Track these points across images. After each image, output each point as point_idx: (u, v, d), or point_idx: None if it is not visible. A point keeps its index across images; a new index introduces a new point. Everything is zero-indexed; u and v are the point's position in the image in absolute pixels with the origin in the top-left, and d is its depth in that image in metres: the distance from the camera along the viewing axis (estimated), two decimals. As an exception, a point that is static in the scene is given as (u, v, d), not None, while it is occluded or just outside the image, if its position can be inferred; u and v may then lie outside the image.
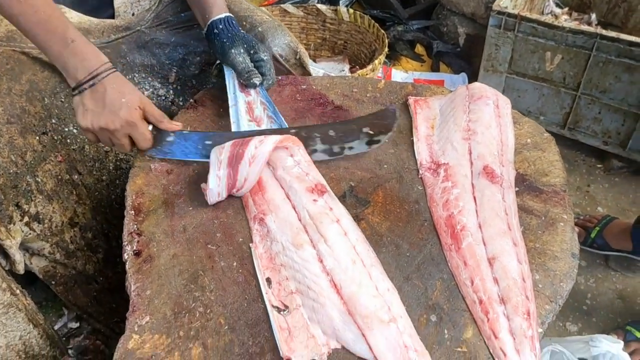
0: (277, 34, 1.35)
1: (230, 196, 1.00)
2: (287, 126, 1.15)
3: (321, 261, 0.86)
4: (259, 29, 1.35)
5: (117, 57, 1.36)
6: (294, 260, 0.88)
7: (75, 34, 1.00)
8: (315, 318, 0.83)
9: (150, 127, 1.06)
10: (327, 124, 1.13)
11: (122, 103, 1.00)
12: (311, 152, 1.05)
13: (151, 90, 1.41)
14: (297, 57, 1.38)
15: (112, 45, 1.35)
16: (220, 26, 1.19)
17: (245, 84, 1.18)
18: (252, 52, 1.20)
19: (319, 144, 1.07)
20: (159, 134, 1.07)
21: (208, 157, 1.01)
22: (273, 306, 0.85)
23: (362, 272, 0.84)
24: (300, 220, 0.92)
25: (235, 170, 0.95)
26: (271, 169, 1.00)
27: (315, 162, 1.03)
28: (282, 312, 0.84)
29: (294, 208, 0.94)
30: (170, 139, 1.08)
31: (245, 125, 1.14)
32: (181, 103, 1.44)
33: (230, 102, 1.17)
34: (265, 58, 1.21)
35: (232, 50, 1.17)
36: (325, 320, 0.82)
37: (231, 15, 1.22)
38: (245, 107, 1.17)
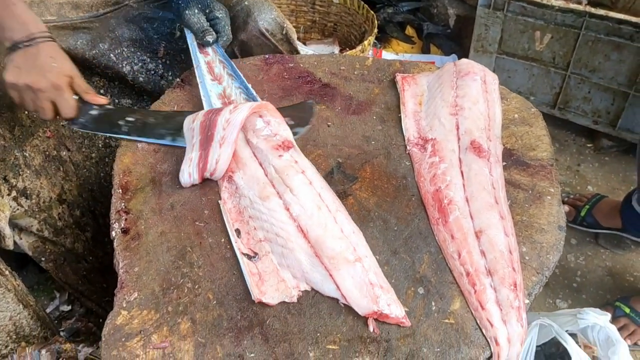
0: (264, 9, 1.34)
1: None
2: (247, 84, 1.18)
3: (287, 209, 0.90)
4: (245, 2, 1.34)
5: (106, 31, 1.35)
6: (261, 211, 0.91)
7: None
8: (284, 263, 0.87)
9: (76, 98, 1.06)
10: None
11: (52, 67, 1.01)
12: None
13: (140, 64, 1.40)
14: (284, 32, 1.37)
15: (101, 19, 1.35)
16: None
17: (201, 44, 1.21)
18: (207, 11, 1.21)
19: None
20: (83, 106, 1.07)
21: (129, 134, 1.06)
22: (243, 254, 0.88)
23: (327, 217, 0.88)
24: (267, 175, 0.95)
25: (206, 153, 0.97)
26: (242, 132, 1.02)
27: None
28: (252, 259, 0.87)
29: (261, 165, 0.97)
30: (93, 112, 1.08)
31: (209, 84, 1.16)
32: (170, 77, 1.44)
33: (194, 63, 1.20)
34: (220, 16, 1.23)
35: (187, 12, 1.19)
36: (294, 264, 0.86)
37: None
38: (206, 66, 1.19)
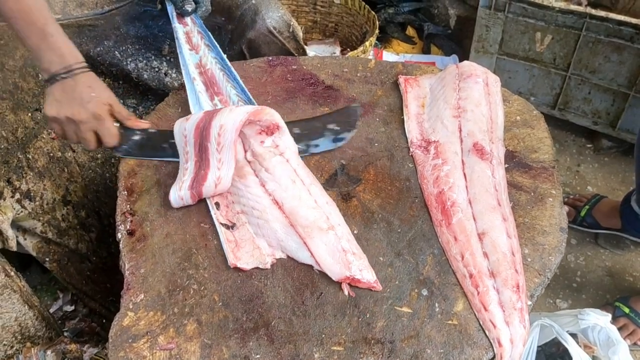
0: (271, 7, 1.36)
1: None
2: (223, 55, 1.21)
3: (263, 185, 0.94)
4: (253, 1, 1.36)
5: (111, 28, 1.35)
6: (238, 187, 0.96)
7: (55, 29, 1.00)
8: (260, 233, 0.91)
9: (117, 125, 1.04)
10: (292, 122, 1.11)
11: (91, 97, 1.00)
12: None
13: (145, 61, 1.41)
14: (291, 30, 1.38)
15: (106, 16, 1.35)
16: None
17: (180, 12, 1.24)
18: None
19: None
20: (125, 132, 1.05)
21: (174, 156, 1.03)
22: (221, 224, 0.93)
23: (301, 189, 0.93)
24: (245, 157, 0.98)
25: (203, 176, 0.96)
26: None
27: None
28: (229, 228, 0.92)
29: (243, 147, 1.00)
30: (136, 137, 1.06)
31: (187, 54, 1.19)
32: (174, 74, 1.45)
33: (175, 35, 1.22)
34: None
35: None
36: (270, 234, 0.90)
37: None
38: (185, 37, 1.22)
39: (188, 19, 1.25)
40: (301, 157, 1.04)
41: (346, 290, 0.85)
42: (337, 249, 0.87)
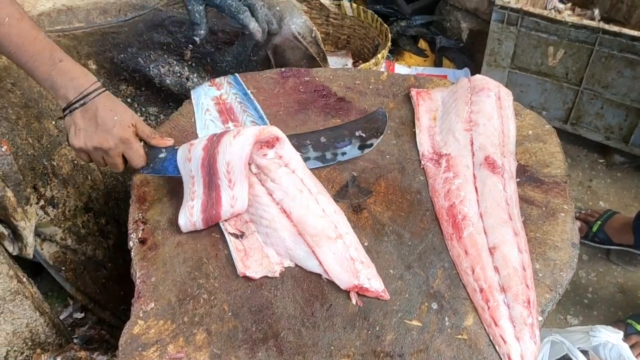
0: (294, 13, 1.37)
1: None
2: (250, 93, 1.21)
3: (270, 194, 0.94)
4: (277, 8, 1.37)
5: (134, 35, 1.37)
6: None
7: (63, 55, 0.98)
8: (269, 242, 0.92)
9: (142, 144, 1.04)
10: (318, 131, 1.11)
11: (114, 121, 0.98)
12: (304, 160, 1.03)
13: (167, 67, 1.43)
14: (313, 34, 1.40)
15: (129, 23, 1.36)
16: None
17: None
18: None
19: (311, 151, 1.07)
20: (150, 150, 1.04)
21: None
22: (230, 233, 0.93)
23: (309, 199, 0.93)
24: (250, 170, 0.96)
25: (216, 198, 0.94)
26: None
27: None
28: (239, 238, 0.92)
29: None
30: (162, 155, 1.04)
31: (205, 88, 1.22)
32: (196, 79, 1.47)
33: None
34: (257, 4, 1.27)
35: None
36: (278, 242, 0.90)
37: None
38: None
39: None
40: (328, 165, 1.06)
41: (354, 299, 0.85)
42: (346, 258, 0.88)
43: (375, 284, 0.86)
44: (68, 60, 0.99)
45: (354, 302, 0.85)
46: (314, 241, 0.89)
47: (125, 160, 1.02)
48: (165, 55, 1.42)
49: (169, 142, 1.06)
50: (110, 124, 0.98)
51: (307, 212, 0.91)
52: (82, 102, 0.97)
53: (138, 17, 1.38)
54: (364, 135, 1.09)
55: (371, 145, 1.09)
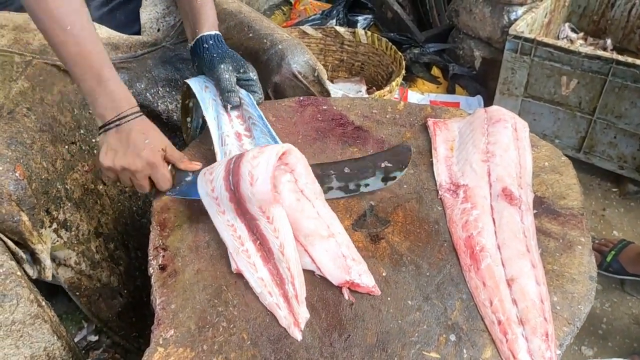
0: (297, 52, 1.38)
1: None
2: (274, 134, 1.17)
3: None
4: (279, 46, 1.38)
5: (143, 71, 1.40)
6: None
7: (111, 74, 1.02)
8: None
9: (169, 167, 1.06)
10: (342, 161, 1.12)
11: (145, 144, 1.01)
12: (327, 190, 1.06)
13: (175, 103, 1.45)
14: (315, 74, 1.41)
15: (139, 60, 1.40)
16: (211, 42, 1.23)
17: (226, 101, 1.20)
18: (241, 70, 1.23)
19: (335, 181, 1.08)
20: (177, 173, 1.07)
21: None
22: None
23: (305, 204, 0.97)
24: None
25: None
26: None
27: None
28: None
29: None
30: (189, 178, 1.07)
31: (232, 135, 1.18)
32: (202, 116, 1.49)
33: (208, 116, 1.20)
34: (254, 77, 1.25)
35: (222, 66, 1.20)
36: None
37: (220, 34, 1.26)
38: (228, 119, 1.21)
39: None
40: (351, 196, 1.08)
41: (346, 294, 0.89)
42: (338, 255, 0.93)
43: (366, 279, 0.91)
44: (115, 81, 1.02)
45: (346, 297, 0.89)
46: (308, 241, 0.94)
47: (152, 182, 1.05)
48: (174, 92, 1.45)
49: (197, 166, 1.08)
50: (140, 147, 1.00)
51: (301, 215, 0.95)
52: (117, 123, 1.01)
53: (147, 54, 1.42)
54: (389, 165, 1.10)
55: (395, 178, 1.09)
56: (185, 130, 1.40)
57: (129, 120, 1.02)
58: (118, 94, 1.02)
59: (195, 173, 1.06)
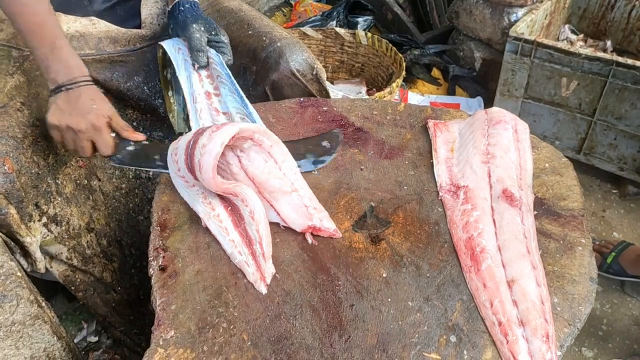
0: (295, 50, 1.38)
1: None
2: (241, 93, 1.23)
3: (240, 161, 1.04)
4: (278, 44, 1.39)
5: (141, 65, 1.41)
6: (221, 162, 1.04)
7: (64, 43, 1.08)
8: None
9: (114, 135, 1.12)
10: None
11: (91, 108, 1.07)
12: None
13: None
14: (314, 72, 1.41)
15: (137, 53, 1.41)
16: (187, 5, 1.29)
17: (194, 60, 1.27)
18: (213, 32, 1.28)
19: None
20: (121, 142, 1.13)
21: (164, 168, 1.09)
22: None
23: (272, 166, 1.04)
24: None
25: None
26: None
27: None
28: None
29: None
30: (130, 148, 1.13)
31: (195, 80, 1.25)
32: None
33: (178, 71, 1.26)
34: (225, 40, 1.31)
35: (194, 25, 1.26)
36: None
37: (198, 2, 1.32)
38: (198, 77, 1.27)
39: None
40: None
41: (310, 239, 0.97)
42: (300, 205, 1.01)
43: (327, 223, 0.99)
44: (68, 49, 1.09)
45: (309, 241, 0.97)
46: (272, 197, 1.02)
47: (94, 147, 1.10)
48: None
49: (140, 137, 1.15)
50: (86, 110, 1.07)
51: (267, 176, 1.03)
52: (68, 87, 1.07)
53: (146, 48, 1.43)
54: (321, 149, 1.17)
55: (323, 162, 1.15)
56: (169, 107, 1.43)
57: (80, 86, 1.08)
58: (71, 61, 1.09)
59: (137, 144, 1.13)
